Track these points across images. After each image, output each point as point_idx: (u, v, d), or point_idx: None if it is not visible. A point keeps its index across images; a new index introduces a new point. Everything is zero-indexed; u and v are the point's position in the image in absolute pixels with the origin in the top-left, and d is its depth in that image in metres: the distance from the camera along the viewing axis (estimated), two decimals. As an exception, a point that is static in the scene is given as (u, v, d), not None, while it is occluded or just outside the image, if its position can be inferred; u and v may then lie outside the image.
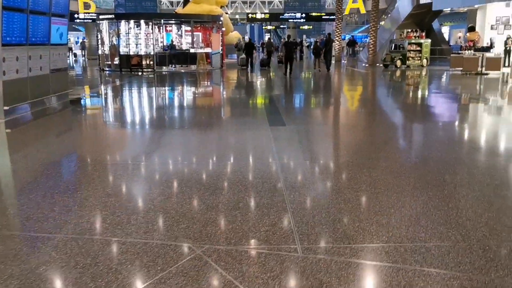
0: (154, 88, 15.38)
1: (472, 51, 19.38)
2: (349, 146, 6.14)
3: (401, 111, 9.93)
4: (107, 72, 21.49)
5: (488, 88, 14.18)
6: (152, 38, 21.26)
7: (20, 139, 6.94)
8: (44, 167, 5.12)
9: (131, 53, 21.20)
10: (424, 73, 20.79)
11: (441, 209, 3.71)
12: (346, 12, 45.73)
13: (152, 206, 3.88)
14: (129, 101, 12.20)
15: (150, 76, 19.63)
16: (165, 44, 23.47)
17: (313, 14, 39.78)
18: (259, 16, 38.80)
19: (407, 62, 23.25)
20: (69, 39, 34.61)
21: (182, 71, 21.65)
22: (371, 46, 25.82)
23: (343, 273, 2.71)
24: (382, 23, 32.07)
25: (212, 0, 32.94)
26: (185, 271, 2.76)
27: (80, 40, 37.48)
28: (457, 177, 4.63)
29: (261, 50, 38.11)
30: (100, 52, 22.86)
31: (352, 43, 36.76)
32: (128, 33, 21.11)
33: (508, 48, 20.09)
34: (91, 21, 33.01)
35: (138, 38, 21.23)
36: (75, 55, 31.99)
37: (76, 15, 37.55)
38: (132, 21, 21.35)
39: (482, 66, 18.45)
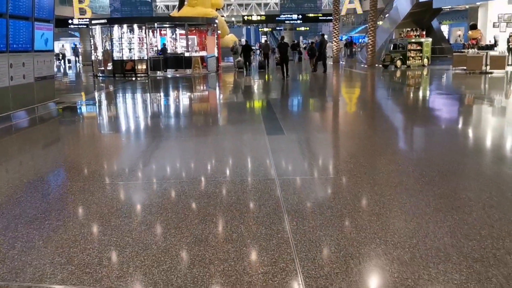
0: (146, 94, 14.80)
1: (475, 50, 18.82)
2: (355, 158, 5.56)
3: (408, 116, 9.34)
4: (101, 78, 20.93)
5: (496, 87, 13.63)
6: (146, 43, 20.69)
7: (-4, 155, 6.36)
8: (14, 190, 4.53)
9: (125, 58, 20.64)
10: (426, 73, 20.24)
11: (473, 239, 3.12)
12: (343, 12, 45.30)
13: (130, 240, 3.30)
14: (118, 109, 11.63)
15: (143, 81, 19.06)
16: (159, 48, 22.93)
17: (310, 15, 39.29)
18: (255, 18, 38.25)
19: (408, 62, 22.71)
20: (63, 45, 34.17)
21: (177, 75, 21.10)
22: (370, 46, 25.27)
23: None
24: (380, 22, 31.51)
25: (207, 3, 32.42)
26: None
27: (72, 46, 36.89)
28: (483, 195, 4.04)
29: (258, 53, 37.60)
30: (93, 57, 22.31)
31: (349, 44, 36.25)
32: (121, 37, 20.57)
33: (511, 46, 19.56)
34: (85, 26, 32.47)
35: (131, 43, 20.67)
36: (68, 61, 31.43)
37: (70, 21, 37.07)
38: (125, 26, 20.80)
39: (486, 65, 17.92)
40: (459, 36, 40.56)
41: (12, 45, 8.39)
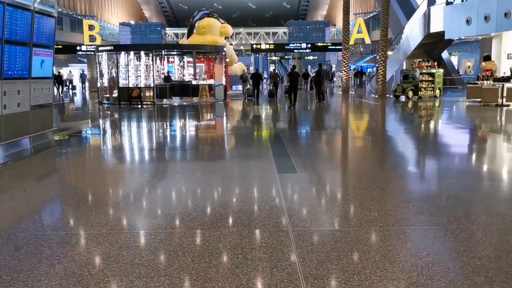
0: (149, 124, 14.30)
1: (491, 81, 18.24)
2: (379, 204, 4.88)
3: (432, 155, 8.63)
4: (106, 105, 20.54)
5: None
6: (152, 70, 20.36)
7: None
8: (-16, 240, 3.89)
9: (130, 85, 20.29)
10: (440, 104, 19.65)
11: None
12: (351, 42, 45.25)
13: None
14: (120, 141, 11.04)
15: (149, 109, 18.62)
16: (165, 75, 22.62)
17: (319, 44, 39.13)
18: (263, 46, 38.19)
19: (419, 93, 22.17)
20: (70, 71, 34.12)
21: (184, 103, 20.67)
22: (380, 76, 24.83)
23: None
24: (390, 53, 31.22)
25: (216, 31, 32.35)
26: None
27: (80, 72, 36.89)
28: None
29: (267, 81, 37.40)
30: (99, 84, 22.02)
31: (359, 73, 35.95)
32: (128, 64, 20.27)
33: (527, 78, 18.98)
34: (93, 53, 32.47)
35: (137, 70, 20.36)
36: (73, 87, 31.27)
37: (78, 47, 37.22)
38: (132, 53, 20.53)
39: (502, 97, 17.30)
40: (469, 67, 40.26)
41: (6, 72, 7.90)
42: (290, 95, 17.87)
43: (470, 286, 2.91)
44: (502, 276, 3.06)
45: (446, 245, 3.70)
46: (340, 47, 34.91)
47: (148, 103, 20.13)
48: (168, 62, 24.81)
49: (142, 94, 20.22)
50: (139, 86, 20.33)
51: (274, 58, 52.12)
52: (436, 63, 24.08)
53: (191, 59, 23.21)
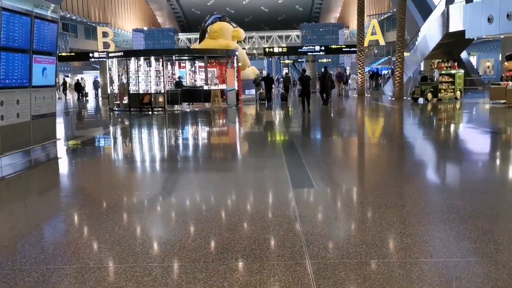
0: (158, 132, 13.80)
1: (516, 82, 17.38)
2: (410, 228, 4.24)
3: (464, 163, 7.90)
4: (116, 112, 20.17)
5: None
6: (163, 75, 19.92)
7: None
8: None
9: (141, 91, 19.88)
10: (462, 107, 18.81)
11: None
12: (365, 44, 44.43)
13: None
14: (129, 150, 10.53)
15: (159, 116, 18.17)
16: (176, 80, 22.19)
17: (333, 46, 38.37)
18: (276, 50, 37.62)
19: (439, 94, 21.33)
20: (82, 78, 34.03)
21: (196, 109, 20.19)
22: (397, 78, 24.04)
23: None
24: (406, 54, 30.40)
25: (229, 35, 31.92)
26: None
27: (93, 79, 36.75)
28: None
29: (279, 85, 36.85)
30: (109, 91, 21.68)
31: (375, 75, 35.11)
32: (138, 70, 19.87)
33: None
34: (104, 59, 32.32)
35: (148, 76, 19.93)
36: (86, 94, 31.09)
37: (91, 54, 37.15)
38: (142, 58, 20.13)
39: (529, 98, 16.45)
40: (488, 67, 39.06)
41: (3, 81, 7.45)
42: (303, 99, 17.42)
43: None
44: None
45: (501, 285, 3.04)
46: (354, 49, 34.16)
47: (159, 109, 19.69)
48: (180, 67, 24.39)
49: (152, 100, 19.78)
50: (149, 92, 19.89)
51: (287, 61, 51.46)
52: (456, 64, 23.20)
53: (202, 64, 22.76)
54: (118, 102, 20.88)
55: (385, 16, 58.99)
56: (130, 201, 5.51)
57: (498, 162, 7.86)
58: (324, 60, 56.57)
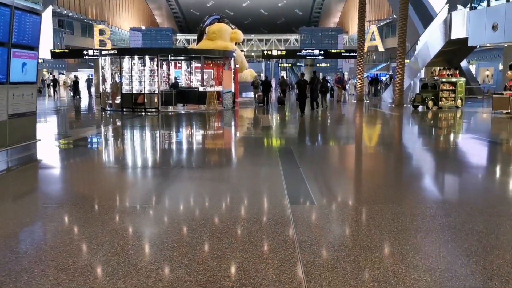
0: (150, 135, 13.16)
1: (520, 92, 16.90)
2: (432, 260, 3.65)
3: (475, 178, 7.36)
4: (108, 112, 19.52)
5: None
6: (157, 75, 19.28)
7: None
8: None
9: (134, 91, 19.23)
10: (464, 116, 18.29)
11: None
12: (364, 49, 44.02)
13: None
14: (114, 156, 9.88)
15: (153, 117, 17.53)
16: (172, 81, 21.56)
17: (332, 51, 37.93)
18: (275, 52, 37.10)
19: (440, 103, 20.83)
20: (75, 75, 33.28)
21: (191, 111, 19.56)
22: (398, 85, 23.53)
23: None
24: (407, 61, 29.96)
25: (227, 37, 31.39)
26: None
27: (86, 77, 36.01)
28: None
29: (276, 88, 36.40)
30: (101, 90, 21.02)
31: (375, 81, 34.62)
32: (132, 69, 19.22)
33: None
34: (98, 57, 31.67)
35: (141, 75, 19.29)
36: (79, 93, 30.42)
37: (85, 51, 36.49)
38: (136, 57, 19.49)
39: (534, 109, 15.95)
40: (487, 76, 38.66)
41: (-23, 76, 6.84)
42: (300, 103, 17.08)
43: None
44: None
45: None
46: (354, 54, 33.70)
47: (153, 110, 19.05)
48: (175, 67, 23.79)
49: (146, 100, 19.14)
50: (142, 92, 19.24)
51: (285, 65, 50.95)
52: (457, 72, 22.73)
53: (199, 65, 22.19)
54: (111, 101, 20.22)
55: (385, 22, 58.68)
56: (103, 216, 4.87)
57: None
58: (323, 65, 56.22)
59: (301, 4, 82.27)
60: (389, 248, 3.83)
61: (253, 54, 75.78)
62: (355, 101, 27.29)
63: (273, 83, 36.66)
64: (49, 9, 48.62)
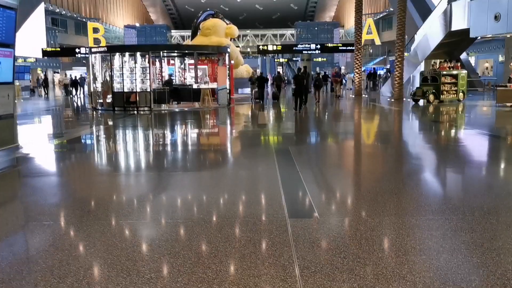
0: (142, 134, 12.53)
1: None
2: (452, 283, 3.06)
3: (485, 179, 6.76)
4: (99, 111, 18.86)
5: None
6: (149, 73, 18.61)
7: None
8: None
9: (126, 90, 18.57)
10: (468, 110, 17.72)
11: None
12: (361, 43, 43.36)
13: None
14: (102, 160, 9.24)
15: (145, 116, 16.89)
16: (165, 79, 20.91)
17: (329, 45, 37.27)
18: (271, 47, 36.45)
19: (441, 96, 20.26)
20: (66, 74, 32.61)
21: (185, 109, 18.92)
22: (397, 79, 22.93)
23: None
24: (406, 54, 29.35)
25: (221, 32, 30.70)
26: None
27: (79, 76, 35.28)
28: None
29: (270, 84, 35.81)
30: (92, 89, 20.35)
31: (372, 75, 34.02)
32: (123, 67, 18.54)
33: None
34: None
35: (133, 73, 18.61)
36: (71, 92, 29.72)
37: (77, 50, 35.79)
38: (127, 54, 18.81)
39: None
40: (487, 68, 38.08)
41: None
42: (296, 99, 16.47)
43: None
44: None
45: None
46: (351, 47, 33.07)
47: (145, 109, 18.40)
48: (169, 64, 23.13)
49: (138, 99, 18.48)
50: (134, 91, 18.57)
51: (281, 60, 50.26)
52: (459, 64, 22.15)
53: (192, 62, 21.52)
54: (101, 100, 19.56)
55: (381, 15, 58.05)
56: (87, 228, 4.25)
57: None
58: (319, 59, 55.56)
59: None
60: (402, 268, 3.23)
61: (248, 49, 75.07)
62: (353, 96, 26.70)
63: (270, 78, 36.07)
64: (42, 7, 47.78)
